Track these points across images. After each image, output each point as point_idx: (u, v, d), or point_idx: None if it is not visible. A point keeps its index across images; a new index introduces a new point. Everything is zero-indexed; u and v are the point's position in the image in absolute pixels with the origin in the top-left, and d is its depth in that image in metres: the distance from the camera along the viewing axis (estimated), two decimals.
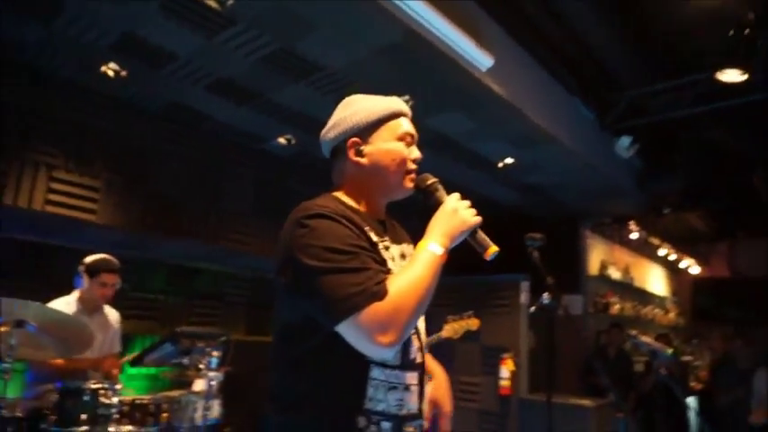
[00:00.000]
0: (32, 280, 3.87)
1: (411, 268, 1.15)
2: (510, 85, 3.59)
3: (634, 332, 3.86)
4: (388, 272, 1.18)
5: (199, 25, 2.77)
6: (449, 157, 4.57)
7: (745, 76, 3.58)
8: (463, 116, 3.82)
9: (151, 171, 3.91)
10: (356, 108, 1.34)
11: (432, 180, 1.33)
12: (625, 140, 4.97)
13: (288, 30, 2.81)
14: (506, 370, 5.32)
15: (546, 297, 2.04)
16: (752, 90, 4.11)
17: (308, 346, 1.17)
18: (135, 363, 2.98)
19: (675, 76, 4.43)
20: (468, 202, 1.29)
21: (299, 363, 1.19)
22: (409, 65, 3.18)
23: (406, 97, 3.49)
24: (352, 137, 1.31)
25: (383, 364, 1.19)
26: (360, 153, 1.30)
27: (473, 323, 3.73)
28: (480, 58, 3.23)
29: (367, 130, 1.31)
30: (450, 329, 3.68)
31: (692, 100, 4.49)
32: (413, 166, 1.33)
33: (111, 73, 3.27)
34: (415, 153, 1.34)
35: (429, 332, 3.40)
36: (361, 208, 1.31)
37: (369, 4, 2.60)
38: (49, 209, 3.37)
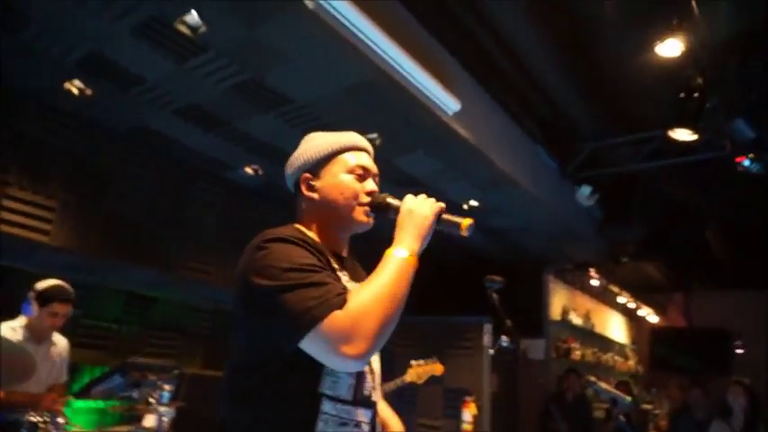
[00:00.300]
0: None
1: (374, 276, 1.12)
2: (476, 129, 3.69)
3: (593, 379, 3.88)
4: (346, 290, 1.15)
5: (170, 50, 2.78)
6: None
7: (695, 136, 3.77)
8: (430, 157, 3.89)
9: (111, 193, 3.82)
10: (311, 144, 1.37)
11: (381, 196, 1.31)
12: (585, 189, 5.13)
13: (259, 61, 2.86)
14: (469, 413, 5.24)
15: (504, 339, 2.04)
16: (701, 149, 4.32)
17: (260, 378, 1.15)
18: (81, 395, 2.84)
19: (634, 131, 4.65)
20: (423, 195, 1.27)
21: (250, 395, 1.16)
22: (378, 104, 3.25)
23: (374, 135, 3.55)
24: (305, 172, 1.33)
25: (335, 398, 1.17)
26: (311, 188, 1.32)
27: (437, 369, 3.69)
28: (448, 102, 3.32)
29: (318, 164, 1.33)
30: (414, 374, 3.60)
31: (648, 155, 4.69)
32: (366, 199, 1.31)
33: (75, 90, 3.22)
34: (369, 186, 1.32)
35: (391, 375, 3.36)
36: (320, 240, 1.30)
37: (341, 43, 2.66)
38: (1, 228, 3.24)
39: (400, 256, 1.15)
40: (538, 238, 5.60)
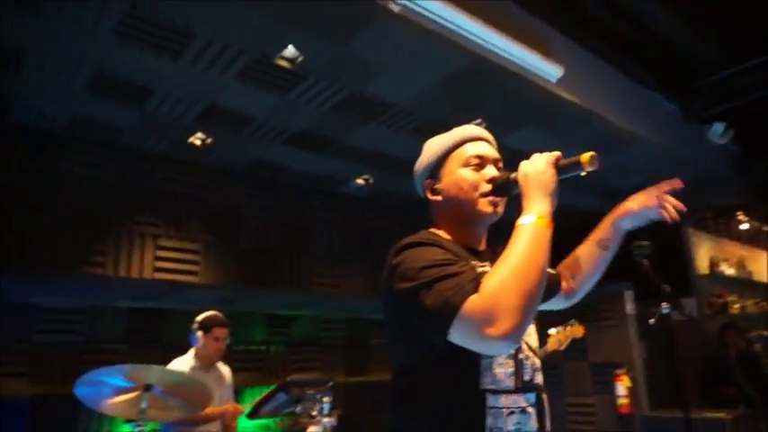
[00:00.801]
0: (147, 344, 4.15)
1: (506, 251, 1.08)
2: (583, 91, 3.48)
3: (765, 333, 3.49)
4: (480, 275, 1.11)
5: (272, 85, 2.93)
6: None
7: None
8: (538, 131, 3.73)
9: (241, 227, 4.11)
10: (427, 149, 1.38)
11: (502, 176, 1.26)
12: (718, 127, 4.64)
13: (355, 75, 2.91)
14: (623, 387, 4.98)
15: (665, 306, 1.90)
16: None
17: (423, 382, 1.17)
18: (252, 415, 3.07)
19: (761, 54, 4.11)
20: (536, 154, 1.21)
21: (417, 401, 1.18)
22: (477, 88, 3.17)
23: (479, 120, 3.47)
24: (427, 178, 1.35)
25: (498, 391, 1.16)
26: (435, 192, 1.33)
27: (577, 330, 3.55)
28: (548, 70, 3.16)
29: (435, 168, 1.33)
30: (555, 341, 3.53)
31: None
32: (486, 188, 1.27)
33: (198, 142, 3.52)
34: (489, 173, 1.28)
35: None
36: (453, 239, 1.30)
37: (430, 37, 2.62)
38: (158, 275, 3.61)
39: (527, 222, 1.11)
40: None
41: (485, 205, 1.27)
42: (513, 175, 1.22)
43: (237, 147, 3.69)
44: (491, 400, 1.15)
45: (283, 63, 2.64)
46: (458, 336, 1.04)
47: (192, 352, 3.25)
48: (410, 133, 3.55)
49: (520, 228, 1.11)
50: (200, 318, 3.23)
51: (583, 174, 1.16)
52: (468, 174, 1.28)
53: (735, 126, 4.67)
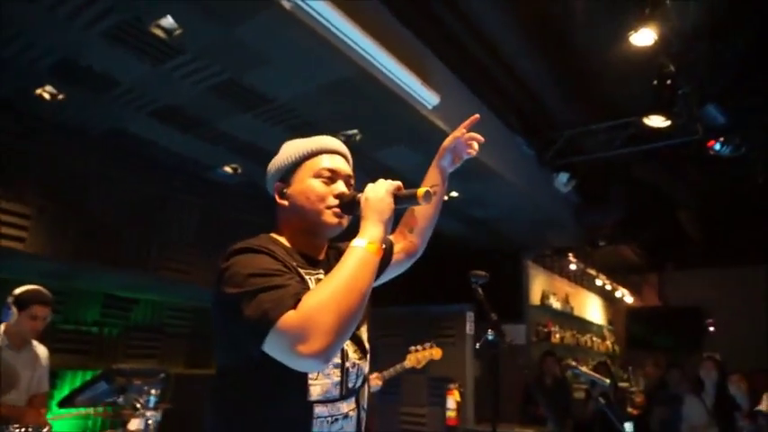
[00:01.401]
0: None
1: (333, 271, 1.09)
2: (455, 121, 3.64)
3: (573, 362, 3.99)
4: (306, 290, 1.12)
5: (145, 53, 2.73)
6: None
7: (668, 122, 3.87)
8: (410, 150, 3.91)
9: (89, 198, 3.75)
10: (282, 152, 1.37)
11: (348, 194, 1.30)
12: (563, 176, 5.23)
13: (237, 61, 2.83)
14: (453, 400, 5.34)
15: (490, 333, 2.09)
16: (674, 134, 4.44)
17: (247, 388, 1.16)
18: (65, 403, 2.79)
19: (609, 118, 4.74)
20: (381, 180, 1.24)
21: (242, 406, 1.16)
22: (357, 100, 3.24)
23: (355, 131, 3.55)
24: (278, 180, 1.34)
25: (325, 401, 1.19)
26: (283, 195, 1.33)
27: (436, 353, 3.75)
28: (427, 96, 3.33)
29: (288, 172, 1.33)
30: (414, 359, 3.68)
31: (623, 141, 4.79)
32: (334, 201, 1.29)
33: (47, 96, 3.15)
34: (338, 188, 1.30)
35: (377, 366, 3.42)
36: (292, 246, 1.31)
37: (319, 41, 2.64)
38: None
39: (358, 245, 1.13)
40: (517, 225, 5.69)
41: (329, 216, 1.29)
42: (359, 196, 1.25)
43: (96, 110, 3.37)
44: (318, 410, 1.17)
45: (159, 32, 2.48)
46: (270, 349, 1.03)
47: (1, 327, 2.89)
48: (287, 130, 3.52)
49: (350, 249, 1.13)
50: (17, 291, 2.87)
51: (417, 204, 1.22)
52: (317, 185, 1.29)
53: (577, 178, 5.30)
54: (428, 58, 3.54)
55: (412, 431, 5.72)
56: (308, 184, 1.29)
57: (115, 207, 3.89)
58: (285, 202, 1.32)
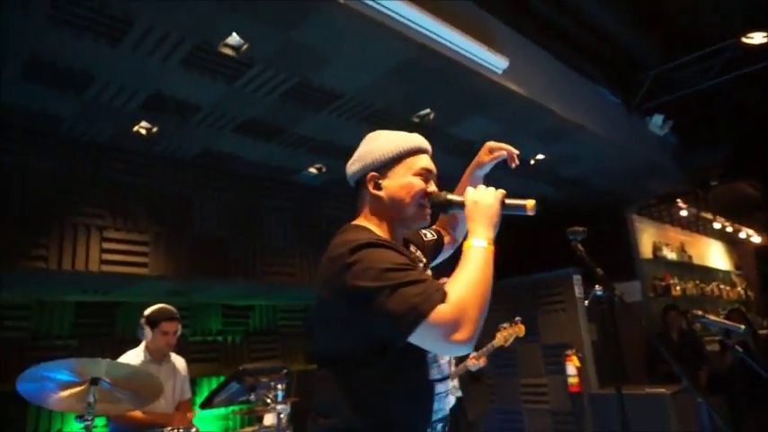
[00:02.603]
0: (98, 337, 4.07)
1: (464, 267, 1.21)
2: (529, 82, 3.58)
3: (700, 312, 3.70)
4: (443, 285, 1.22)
5: (218, 73, 2.90)
6: None
7: None
8: (486, 120, 3.82)
9: (193, 218, 4.06)
10: (377, 144, 1.43)
11: (441, 195, 1.40)
12: (657, 118, 4.86)
13: (302, 63, 2.91)
14: (572, 366, 5.18)
15: (598, 288, 2.00)
16: None
17: (373, 377, 1.23)
18: (205, 405, 3.06)
19: (698, 48, 4.32)
20: (483, 186, 1.36)
21: (369, 389, 1.23)
22: (425, 79, 3.22)
23: (427, 110, 3.53)
24: (372, 171, 1.39)
25: (441, 379, 1.30)
26: (378, 186, 1.39)
27: (520, 330, 3.87)
28: (494, 62, 3.23)
29: (386, 165, 1.39)
30: (501, 338, 3.81)
31: (720, 68, 4.35)
32: (426, 200, 1.40)
33: (143, 131, 3.45)
34: (431, 187, 1.41)
35: (483, 340, 3.48)
36: (385, 236, 1.38)
37: (378, 27, 2.65)
38: (105, 268, 3.54)
39: (480, 246, 1.25)
40: (614, 178, 5.36)
41: (424, 213, 1.40)
42: (455, 199, 1.39)
43: (185, 136, 3.63)
44: (438, 388, 1.29)
45: (228, 51, 2.62)
46: (420, 338, 1.14)
47: (143, 345, 3.21)
48: (360, 122, 3.58)
49: (474, 249, 1.24)
50: (147, 312, 3.18)
51: (524, 215, 1.32)
52: (418, 183, 1.38)
53: (673, 118, 4.89)
54: (490, 23, 3.43)
55: (535, 401, 5.62)
56: (409, 181, 1.38)
57: (218, 223, 4.18)
58: (381, 194, 1.39)
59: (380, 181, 1.38)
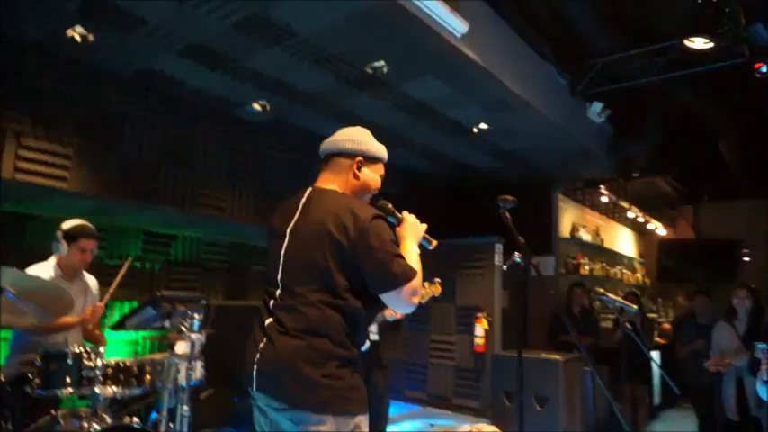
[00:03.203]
0: (5, 248, 3.84)
1: (411, 260, 1.70)
2: (485, 51, 3.62)
3: (601, 290, 4.04)
4: None
5: None
6: (425, 123, 4.61)
7: (712, 44, 3.67)
8: (438, 81, 3.85)
9: (124, 137, 3.86)
10: (369, 140, 1.90)
11: (389, 205, 1.90)
12: (597, 106, 5.08)
13: None
14: (481, 328, 5.52)
15: (517, 256, 2.14)
16: (718, 58, 4.22)
17: (355, 305, 1.65)
18: (117, 327, 3.00)
19: (646, 44, 4.52)
20: (413, 216, 1.90)
21: (351, 317, 1.65)
22: (384, 30, 3.18)
23: (381, 63, 3.50)
24: (361, 157, 1.85)
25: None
26: (359, 169, 1.85)
27: (436, 289, 3.97)
28: (456, 24, 3.24)
29: (369, 159, 1.88)
30: None
31: (662, 66, 4.58)
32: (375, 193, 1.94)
33: (77, 37, 3.19)
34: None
35: None
36: None
37: None
38: (19, 176, 3.32)
39: (415, 250, 1.79)
40: (548, 157, 5.60)
41: (371, 202, 1.91)
42: (390, 206, 1.90)
43: (125, 50, 3.40)
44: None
45: None
46: (393, 294, 1.62)
47: (53, 260, 3.07)
48: (313, 65, 3.50)
49: (413, 251, 1.78)
50: (65, 226, 3.03)
51: (428, 248, 1.92)
52: (378, 182, 1.91)
53: (611, 108, 5.14)
54: None
55: (441, 357, 5.96)
56: (374, 178, 1.90)
57: (149, 146, 4.00)
58: (358, 173, 1.85)
59: (363, 167, 1.84)
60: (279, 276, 1.70)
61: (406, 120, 4.52)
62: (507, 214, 2.16)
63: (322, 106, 4.24)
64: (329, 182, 1.83)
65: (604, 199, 6.90)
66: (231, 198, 4.56)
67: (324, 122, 4.66)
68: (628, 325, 3.73)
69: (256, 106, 4.26)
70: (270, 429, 1.65)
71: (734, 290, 4.61)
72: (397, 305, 1.65)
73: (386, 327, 4.10)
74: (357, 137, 1.87)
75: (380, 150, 1.91)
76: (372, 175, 1.87)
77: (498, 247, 5.66)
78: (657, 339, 6.31)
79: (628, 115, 5.54)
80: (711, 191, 8.78)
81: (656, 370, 6.38)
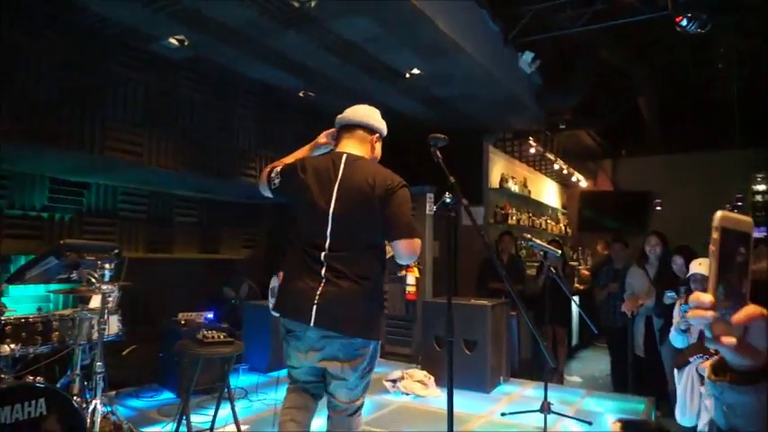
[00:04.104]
0: None
1: None
2: None
3: (528, 236, 4.16)
4: None
5: None
6: (356, 66, 4.43)
7: None
8: (369, 21, 3.66)
9: (19, 71, 3.43)
10: (382, 121, 2.29)
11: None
12: (528, 55, 5.08)
13: None
14: (412, 277, 5.58)
15: (448, 196, 2.09)
16: (643, 9, 4.30)
17: (382, 251, 2.13)
18: (14, 280, 2.74)
19: None
20: None
21: (380, 260, 2.11)
22: None
23: None
24: (377, 134, 2.26)
25: None
26: (376, 142, 2.26)
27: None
28: None
29: (381, 136, 2.29)
30: None
31: (590, 18, 4.62)
32: None
33: None
34: None
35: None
36: None
37: None
38: None
39: None
40: (479, 106, 5.59)
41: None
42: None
43: None
44: None
45: None
46: (401, 243, 2.01)
47: None
48: None
49: None
50: None
51: None
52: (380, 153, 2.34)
53: (541, 58, 5.16)
54: None
55: None
56: (380, 151, 2.30)
57: (49, 82, 3.58)
58: (375, 147, 2.26)
59: (377, 142, 2.25)
60: (328, 231, 2.01)
61: (335, 61, 4.32)
62: (438, 152, 2.10)
63: (246, 43, 3.95)
64: (357, 149, 2.18)
65: (533, 150, 7.05)
66: (149, 143, 4.23)
67: (249, 62, 4.37)
68: (552, 269, 3.87)
69: (173, 41, 3.90)
70: (313, 359, 2.00)
71: (646, 237, 4.91)
72: (400, 253, 2.00)
73: None
74: (376, 116, 2.28)
75: (385, 129, 2.33)
76: (379, 149, 2.29)
77: (429, 197, 5.67)
78: (577, 285, 6.65)
79: (556, 67, 5.60)
80: (629, 146, 9.22)
81: (574, 314, 6.77)
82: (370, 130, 2.22)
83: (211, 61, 4.33)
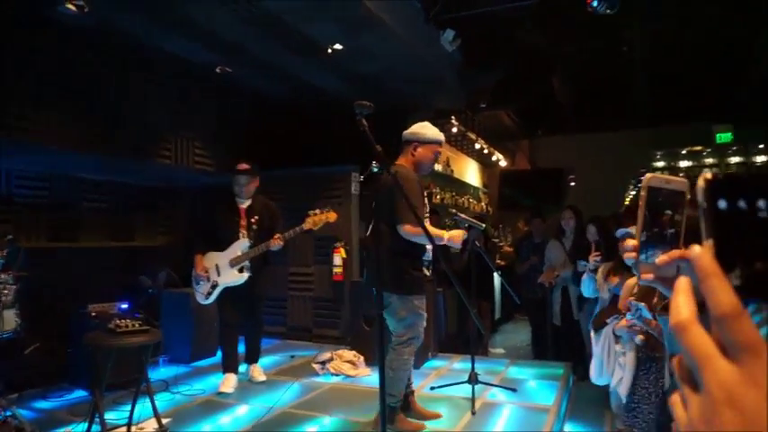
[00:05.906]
0: None
1: (434, 230, 2.85)
2: None
3: (454, 211, 4.23)
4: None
5: None
6: (276, 39, 4.25)
7: None
8: None
9: None
10: (422, 131, 3.13)
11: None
12: (449, 33, 5.09)
13: None
14: (339, 258, 5.51)
15: (375, 165, 2.04)
16: None
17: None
18: None
19: None
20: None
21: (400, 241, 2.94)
22: None
23: None
24: (415, 143, 3.08)
25: None
26: (415, 150, 3.05)
27: (331, 216, 3.93)
28: None
29: (423, 143, 3.07)
30: (311, 222, 3.88)
31: None
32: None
33: None
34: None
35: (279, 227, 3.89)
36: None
37: None
38: None
39: (440, 232, 3.06)
40: (403, 85, 5.57)
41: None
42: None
43: None
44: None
45: None
46: (400, 227, 2.90)
47: None
48: None
49: (439, 232, 3.07)
50: None
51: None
52: (430, 157, 3.15)
53: (462, 37, 5.20)
54: None
55: (300, 289, 5.89)
56: (427, 155, 3.13)
57: None
58: (415, 153, 3.09)
59: (418, 148, 3.05)
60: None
61: (252, 31, 4.12)
62: (364, 121, 2.04)
63: (154, 11, 3.67)
64: (400, 159, 3.12)
65: (455, 130, 7.15)
66: (46, 120, 3.84)
67: (158, 33, 4.08)
68: (477, 243, 3.94)
69: (71, 6, 3.55)
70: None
71: (562, 212, 5.14)
72: (408, 236, 2.89)
73: (260, 262, 4.04)
74: (413, 129, 3.12)
75: (431, 136, 3.09)
76: (426, 153, 3.07)
77: (355, 176, 5.60)
78: (498, 261, 6.88)
79: (477, 45, 5.68)
80: (545, 125, 9.62)
81: (497, 289, 7.01)
82: (407, 141, 3.11)
83: (119, 31, 4.00)
